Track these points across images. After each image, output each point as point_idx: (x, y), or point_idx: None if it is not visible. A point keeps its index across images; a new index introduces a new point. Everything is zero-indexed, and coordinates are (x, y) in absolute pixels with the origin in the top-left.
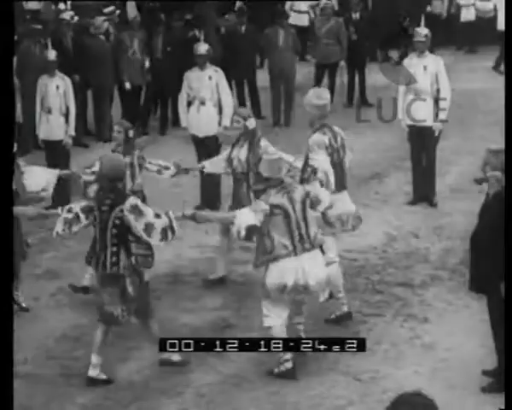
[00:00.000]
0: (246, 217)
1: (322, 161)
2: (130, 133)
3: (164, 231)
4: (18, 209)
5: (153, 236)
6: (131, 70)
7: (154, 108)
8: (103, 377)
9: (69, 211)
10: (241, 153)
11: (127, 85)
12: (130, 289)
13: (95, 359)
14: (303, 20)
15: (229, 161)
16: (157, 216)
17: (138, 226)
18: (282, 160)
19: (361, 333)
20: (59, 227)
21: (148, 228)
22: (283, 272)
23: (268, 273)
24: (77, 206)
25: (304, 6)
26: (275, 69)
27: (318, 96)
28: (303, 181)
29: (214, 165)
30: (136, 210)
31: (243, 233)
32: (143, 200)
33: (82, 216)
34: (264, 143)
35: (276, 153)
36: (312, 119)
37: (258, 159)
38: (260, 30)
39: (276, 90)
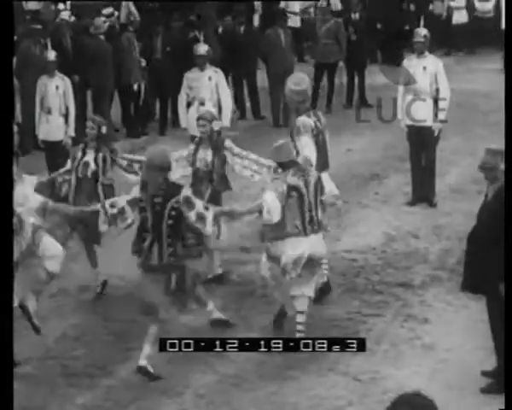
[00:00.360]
0: (273, 202)
1: (306, 143)
2: (104, 129)
3: (214, 219)
4: (59, 206)
5: (206, 224)
6: (136, 70)
7: (153, 108)
8: (151, 369)
9: (112, 206)
10: (207, 154)
11: (135, 87)
12: (188, 278)
13: (146, 348)
14: (296, 22)
15: (193, 160)
16: (205, 208)
17: (191, 218)
18: (289, 144)
19: (361, 333)
20: (104, 225)
21: (200, 218)
22: (291, 247)
23: (275, 246)
24: (121, 200)
25: (297, 7)
26: (276, 70)
27: (297, 82)
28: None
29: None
30: (188, 201)
31: (276, 218)
32: (113, 193)
33: (129, 210)
34: (228, 144)
35: (242, 152)
36: (296, 105)
37: (223, 160)
38: (260, 30)
39: (277, 91)
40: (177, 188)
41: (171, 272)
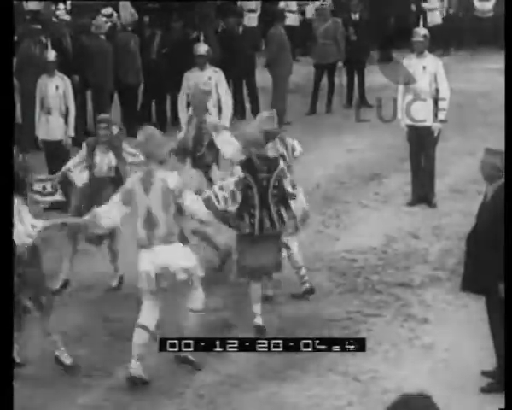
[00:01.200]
0: None
1: (227, 138)
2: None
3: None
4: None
5: (297, 193)
6: (136, 70)
7: (149, 108)
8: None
9: (221, 189)
10: (111, 158)
11: (141, 86)
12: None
13: (257, 309)
14: (294, 20)
15: (90, 165)
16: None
17: (287, 186)
18: (275, 114)
19: (361, 333)
20: (216, 206)
21: (293, 186)
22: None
23: None
24: (229, 182)
25: (294, 6)
26: (281, 69)
27: (205, 82)
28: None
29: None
30: (284, 172)
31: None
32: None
33: (237, 192)
34: (125, 145)
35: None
36: (202, 104)
37: (124, 162)
38: (258, 30)
39: (279, 91)
40: (275, 160)
41: (279, 236)
